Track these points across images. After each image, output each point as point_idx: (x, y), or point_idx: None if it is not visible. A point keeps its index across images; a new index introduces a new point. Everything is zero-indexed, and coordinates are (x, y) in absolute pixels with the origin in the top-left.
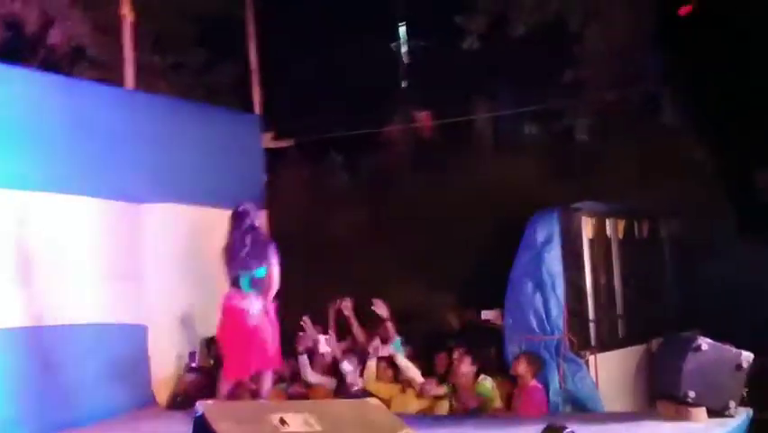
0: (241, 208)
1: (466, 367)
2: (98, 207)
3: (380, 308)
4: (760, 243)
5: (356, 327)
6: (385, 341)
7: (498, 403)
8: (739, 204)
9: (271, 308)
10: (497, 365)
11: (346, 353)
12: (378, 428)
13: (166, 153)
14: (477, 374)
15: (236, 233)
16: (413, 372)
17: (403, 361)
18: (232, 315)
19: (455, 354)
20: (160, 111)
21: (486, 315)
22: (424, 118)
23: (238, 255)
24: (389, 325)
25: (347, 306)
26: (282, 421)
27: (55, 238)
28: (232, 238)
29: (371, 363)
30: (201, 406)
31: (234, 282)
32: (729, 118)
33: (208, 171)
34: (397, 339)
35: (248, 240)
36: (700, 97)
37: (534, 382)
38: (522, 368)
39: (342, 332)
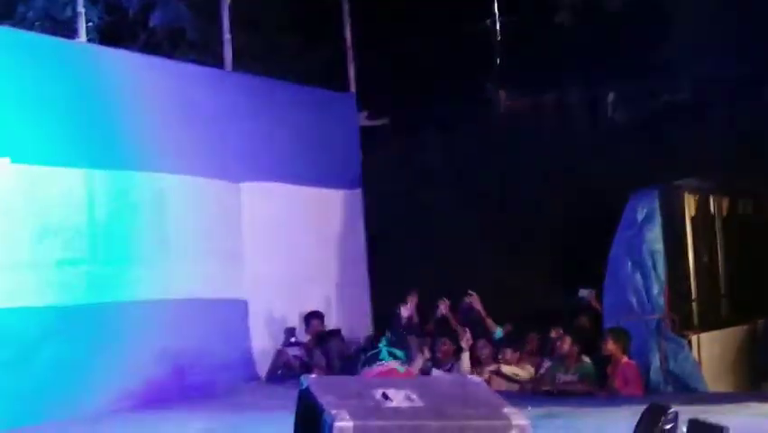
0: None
1: (567, 347)
2: (200, 185)
3: (476, 303)
4: None
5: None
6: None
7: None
8: None
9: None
10: (594, 346)
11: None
12: (479, 404)
13: (264, 134)
14: (578, 355)
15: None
16: (521, 373)
17: (509, 369)
18: None
19: (553, 334)
20: (258, 92)
21: (582, 293)
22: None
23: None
24: (489, 321)
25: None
26: (385, 396)
27: (161, 217)
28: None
29: (465, 356)
30: (306, 379)
31: (373, 358)
32: None
33: (305, 151)
34: (498, 330)
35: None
36: None
37: (626, 359)
38: (610, 345)
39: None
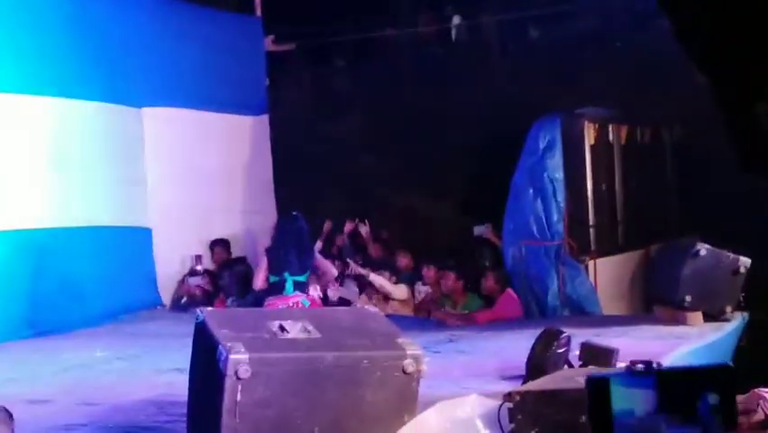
0: (292, 213)
1: (451, 283)
2: (100, 110)
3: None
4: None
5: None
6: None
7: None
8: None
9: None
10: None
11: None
12: (376, 335)
13: (167, 57)
14: (464, 290)
15: (282, 238)
16: (387, 286)
17: (376, 278)
18: None
19: (435, 271)
20: (161, 14)
21: (478, 230)
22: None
23: (283, 259)
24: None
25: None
26: (281, 328)
27: (59, 142)
28: (277, 241)
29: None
30: (202, 312)
31: (276, 286)
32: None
33: (210, 76)
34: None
35: (294, 245)
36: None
37: (510, 291)
38: (491, 284)
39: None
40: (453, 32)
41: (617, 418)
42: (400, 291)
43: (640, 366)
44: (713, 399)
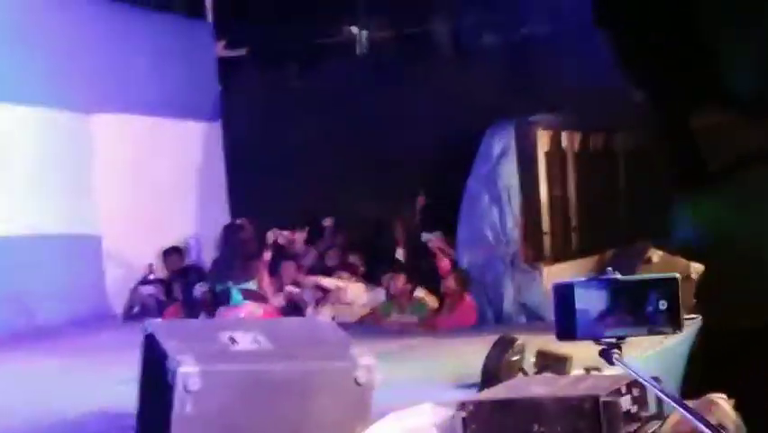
0: (237, 222)
1: (401, 285)
2: (45, 117)
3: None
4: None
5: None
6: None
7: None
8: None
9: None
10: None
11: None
12: (328, 345)
13: (116, 62)
14: (410, 293)
15: (227, 246)
16: (340, 284)
17: (328, 280)
18: None
19: (390, 274)
20: (111, 18)
21: (426, 237)
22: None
23: (228, 269)
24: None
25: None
26: (232, 340)
27: (2, 149)
28: (222, 252)
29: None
30: (149, 324)
31: (222, 296)
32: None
33: (161, 81)
34: None
35: (239, 254)
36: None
37: (468, 298)
38: (451, 284)
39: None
40: (358, 46)
41: (580, 314)
42: (357, 289)
43: (601, 276)
44: (662, 304)
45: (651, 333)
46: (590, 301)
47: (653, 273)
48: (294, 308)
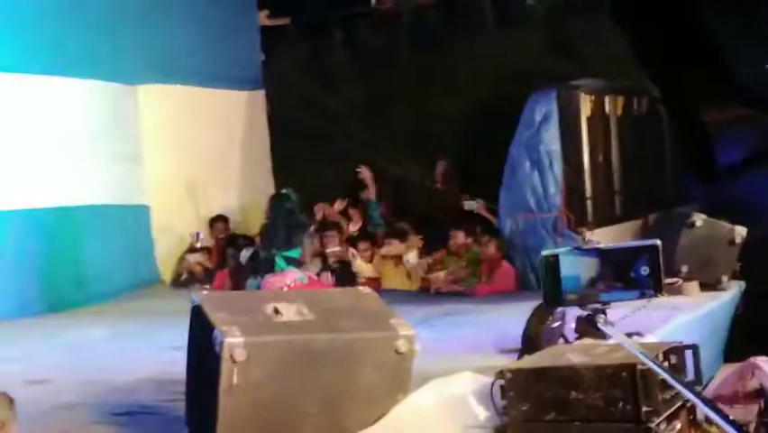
0: (282, 191)
1: (461, 240)
2: (94, 89)
3: (365, 174)
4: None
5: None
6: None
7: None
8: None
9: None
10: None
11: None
12: (369, 316)
13: (160, 34)
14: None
15: (273, 215)
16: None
17: (388, 249)
18: None
19: (451, 233)
20: None
21: (468, 206)
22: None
23: (273, 237)
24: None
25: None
26: (276, 311)
27: (52, 121)
28: (269, 220)
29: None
30: (197, 295)
31: (269, 264)
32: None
33: (204, 51)
34: (372, 201)
35: (284, 223)
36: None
37: (506, 264)
38: (492, 250)
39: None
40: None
41: (566, 280)
42: (413, 253)
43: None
44: (644, 270)
45: (634, 297)
46: (576, 269)
47: (638, 241)
48: (341, 271)
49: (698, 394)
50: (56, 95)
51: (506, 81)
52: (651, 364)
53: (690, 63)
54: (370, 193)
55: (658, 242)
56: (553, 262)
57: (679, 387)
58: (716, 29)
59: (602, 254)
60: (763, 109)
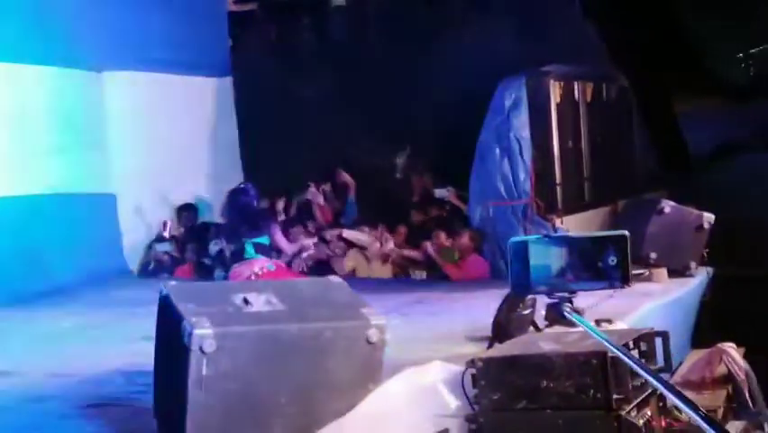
0: (240, 186)
1: (443, 240)
2: (58, 76)
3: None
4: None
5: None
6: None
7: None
8: None
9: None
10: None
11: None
12: (339, 305)
13: (127, 20)
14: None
15: (233, 211)
16: (363, 240)
17: (350, 233)
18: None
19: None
20: None
21: (439, 193)
22: None
23: (238, 230)
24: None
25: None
26: (245, 301)
27: (17, 109)
28: (229, 216)
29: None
30: (165, 286)
31: (237, 255)
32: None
33: (171, 37)
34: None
35: (239, 217)
36: None
37: (475, 255)
38: (465, 241)
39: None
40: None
41: (534, 269)
42: (370, 237)
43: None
44: (612, 260)
45: (601, 287)
46: (545, 257)
47: (605, 231)
48: (317, 263)
49: (665, 383)
50: (20, 82)
51: (476, 68)
52: (617, 353)
53: (661, 53)
54: (351, 192)
55: (626, 232)
56: (522, 248)
57: (646, 376)
58: (687, 17)
59: (571, 244)
60: (733, 98)
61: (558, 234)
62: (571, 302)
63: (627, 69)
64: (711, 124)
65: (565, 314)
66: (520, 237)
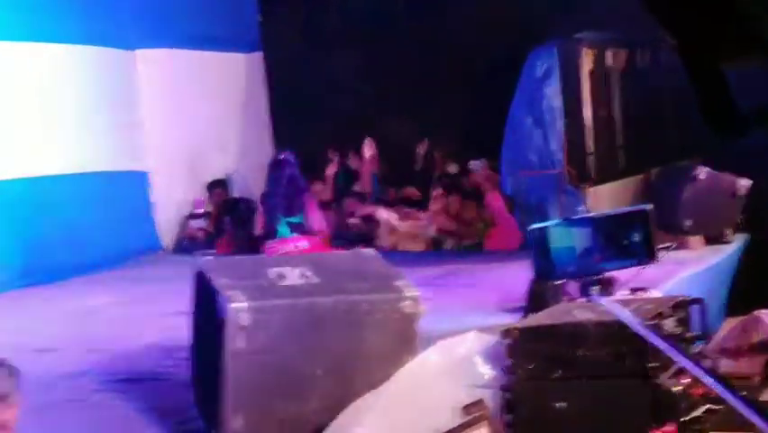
0: (280, 157)
1: (473, 213)
2: (92, 54)
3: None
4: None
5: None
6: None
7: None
8: None
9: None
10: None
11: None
12: (374, 277)
13: None
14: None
15: (274, 182)
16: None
17: (381, 214)
18: None
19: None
20: None
21: (473, 165)
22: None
23: (275, 204)
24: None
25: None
26: (280, 275)
27: (51, 89)
28: (269, 187)
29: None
30: (200, 261)
31: (272, 231)
32: None
33: (201, 14)
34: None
35: (285, 190)
36: None
37: (509, 218)
38: (497, 203)
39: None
40: None
41: (558, 252)
42: (407, 221)
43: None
44: (635, 236)
45: (628, 265)
46: (569, 241)
47: (626, 208)
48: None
49: (685, 355)
50: (53, 62)
51: (506, 37)
52: (640, 330)
53: (710, 12)
54: (375, 167)
55: (648, 207)
56: (541, 235)
57: (665, 347)
58: None
59: (594, 223)
60: None
61: (579, 216)
62: (599, 281)
63: (674, 27)
64: (757, 87)
65: (593, 296)
66: (538, 224)
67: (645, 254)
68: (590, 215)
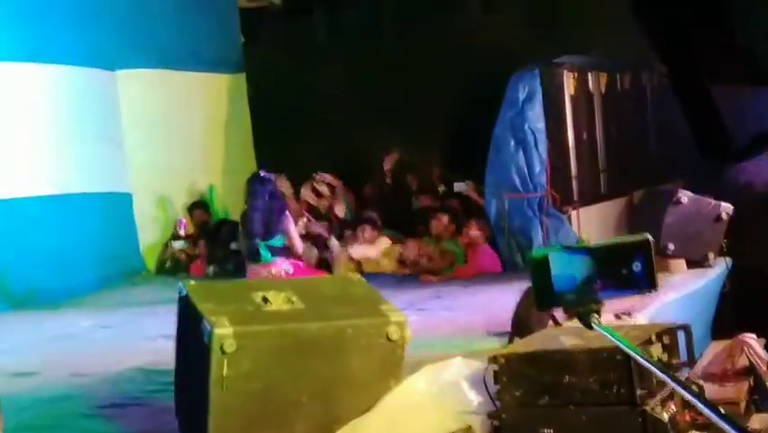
0: (261, 175)
1: (444, 224)
2: (73, 75)
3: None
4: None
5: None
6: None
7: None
8: None
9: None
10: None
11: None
12: (359, 302)
13: (140, 18)
14: (453, 234)
15: (254, 201)
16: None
17: (358, 252)
18: None
19: (432, 215)
20: None
21: (458, 187)
22: None
23: (255, 225)
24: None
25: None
26: (265, 300)
27: (32, 110)
28: (250, 207)
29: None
30: (184, 286)
31: (254, 254)
32: None
33: (184, 35)
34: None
35: (261, 213)
36: None
37: (485, 245)
38: (473, 231)
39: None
40: None
41: (558, 279)
42: (381, 246)
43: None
44: (636, 266)
45: (629, 294)
46: (569, 268)
47: (627, 237)
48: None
49: (680, 383)
50: (34, 82)
51: (489, 59)
52: (638, 358)
53: (702, 38)
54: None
55: (648, 236)
56: (543, 263)
57: (662, 376)
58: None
59: (594, 253)
60: None
61: (578, 246)
62: (598, 313)
63: (665, 53)
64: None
65: (593, 326)
66: (539, 249)
67: (647, 284)
68: (589, 245)
